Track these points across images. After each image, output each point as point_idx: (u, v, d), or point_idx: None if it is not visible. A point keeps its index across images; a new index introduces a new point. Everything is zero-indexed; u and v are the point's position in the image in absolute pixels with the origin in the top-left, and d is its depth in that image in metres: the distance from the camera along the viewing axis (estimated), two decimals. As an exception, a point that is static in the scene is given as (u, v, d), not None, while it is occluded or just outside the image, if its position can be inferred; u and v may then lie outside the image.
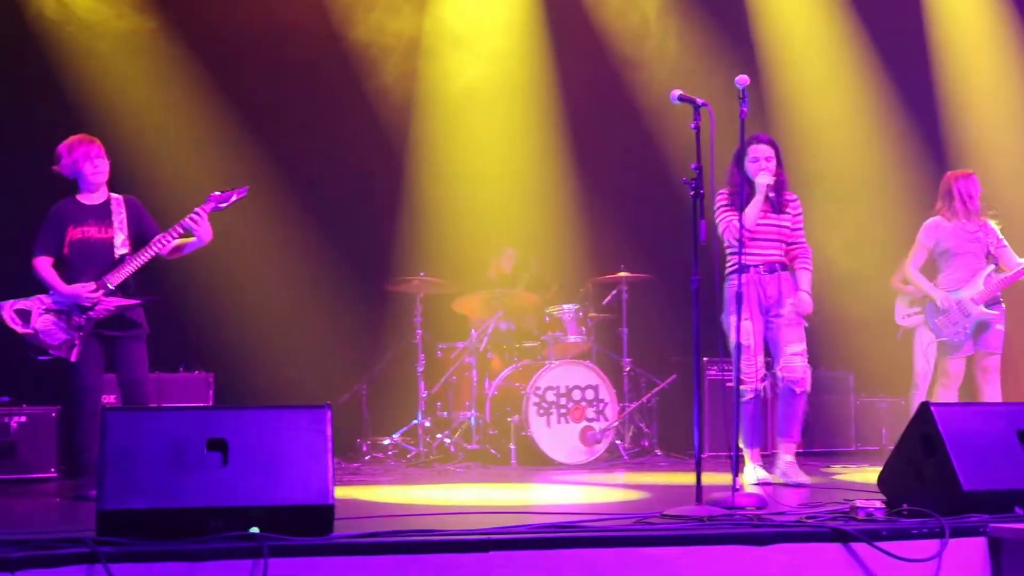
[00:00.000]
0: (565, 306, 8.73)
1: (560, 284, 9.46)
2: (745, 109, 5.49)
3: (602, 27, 10.08)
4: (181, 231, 6.20)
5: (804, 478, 6.44)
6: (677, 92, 5.39)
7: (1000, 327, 7.39)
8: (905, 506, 4.58)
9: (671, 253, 8.64)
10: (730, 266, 6.55)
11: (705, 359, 8.77)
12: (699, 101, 5.28)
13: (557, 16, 10.07)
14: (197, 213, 6.19)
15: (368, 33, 9.50)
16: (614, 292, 9.12)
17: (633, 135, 10.02)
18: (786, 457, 6.54)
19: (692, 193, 5.17)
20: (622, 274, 8.96)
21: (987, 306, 7.35)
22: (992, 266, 7.41)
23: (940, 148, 9.95)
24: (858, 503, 4.55)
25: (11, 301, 6.10)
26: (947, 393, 7.40)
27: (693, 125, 5.25)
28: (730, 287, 6.46)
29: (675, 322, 8.68)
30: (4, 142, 8.09)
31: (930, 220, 7.52)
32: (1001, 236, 7.47)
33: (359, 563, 3.85)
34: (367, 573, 3.84)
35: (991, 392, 7.37)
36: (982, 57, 10.07)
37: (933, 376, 7.64)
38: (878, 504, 4.55)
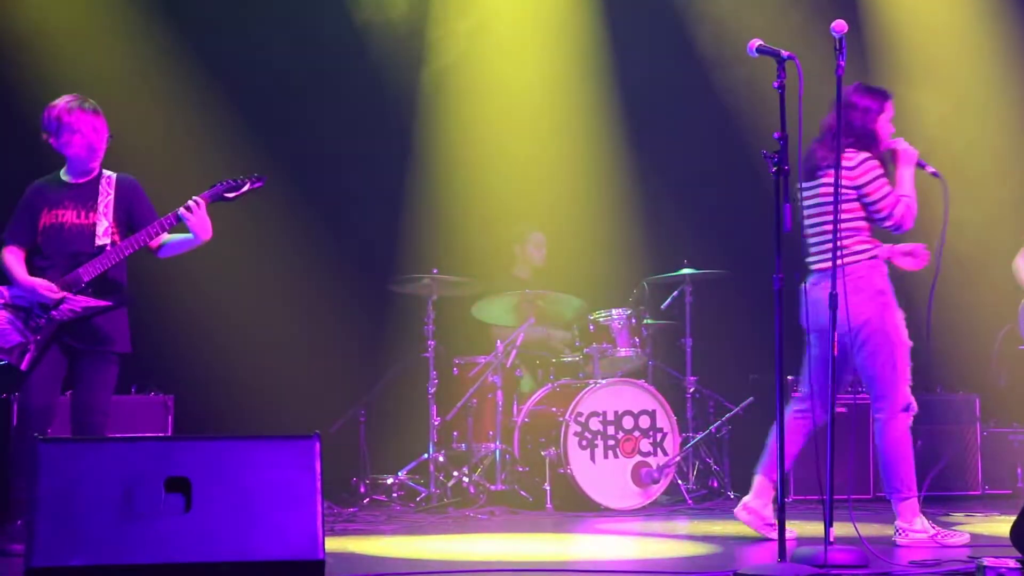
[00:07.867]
0: (614, 311, 8.71)
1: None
2: (842, 63, 5.46)
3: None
4: (174, 221, 6.19)
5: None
6: (756, 43, 5.42)
7: None
8: (1045, 565, 4.56)
9: (747, 245, 8.67)
10: (868, 250, 6.27)
11: (790, 378, 8.73)
12: (784, 54, 5.28)
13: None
14: (195, 201, 6.16)
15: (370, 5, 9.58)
16: (675, 294, 9.13)
17: (699, 99, 9.98)
18: None
19: (774, 169, 5.16)
20: (685, 271, 8.95)
21: None
22: None
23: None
24: (986, 561, 4.56)
25: None
26: None
27: (776, 84, 5.25)
28: (879, 273, 6.26)
29: (752, 331, 8.64)
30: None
31: None
32: None
33: (355, 634, 3.86)
34: (365, 647, 3.85)
35: None
36: None
37: None
38: (1012, 563, 4.54)
